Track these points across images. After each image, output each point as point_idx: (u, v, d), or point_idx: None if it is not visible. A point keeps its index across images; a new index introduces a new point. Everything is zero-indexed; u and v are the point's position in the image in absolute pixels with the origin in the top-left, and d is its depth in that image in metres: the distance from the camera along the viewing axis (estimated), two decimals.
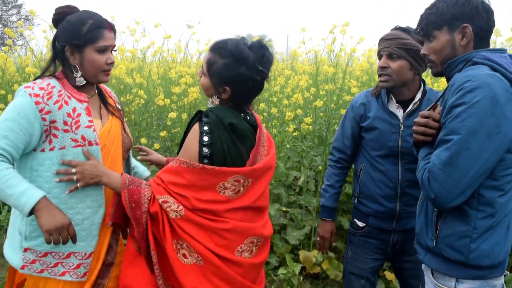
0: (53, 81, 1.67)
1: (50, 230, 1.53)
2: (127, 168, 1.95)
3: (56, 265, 1.66)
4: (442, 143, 1.46)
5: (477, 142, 1.38)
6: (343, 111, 3.67)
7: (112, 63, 1.70)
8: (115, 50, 1.76)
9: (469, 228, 1.49)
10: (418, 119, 1.59)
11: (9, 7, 30.09)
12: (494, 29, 3.89)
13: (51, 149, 1.61)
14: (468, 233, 1.49)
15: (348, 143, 2.24)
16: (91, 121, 1.68)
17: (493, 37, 4.07)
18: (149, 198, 1.60)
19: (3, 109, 4.19)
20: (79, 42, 1.63)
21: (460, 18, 1.51)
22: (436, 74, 1.65)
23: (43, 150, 1.62)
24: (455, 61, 1.54)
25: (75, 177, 1.60)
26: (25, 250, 1.64)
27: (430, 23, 1.56)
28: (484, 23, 1.52)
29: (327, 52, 4.02)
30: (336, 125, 3.68)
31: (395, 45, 1.98)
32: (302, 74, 4.17)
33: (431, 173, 1.46)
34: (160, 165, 2.06)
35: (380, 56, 2.07)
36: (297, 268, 3.16)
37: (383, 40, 2.06)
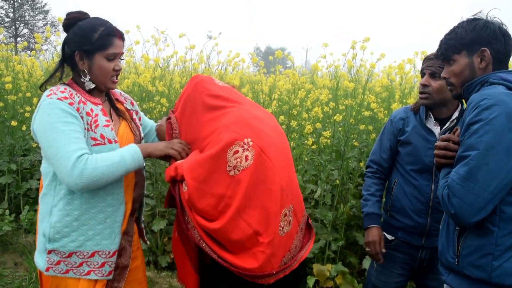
0: (67, 87, 1.70)
1: (169, 151, 1.74)
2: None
3: (81, 264, 1.68)
4: (460, 159, 1.48)
5: (496, 158, 1.40)
6: (362, 127, 3.68)
7: (119, 70, 1.74)
8: (123, 59, 1.80)
9: (491, 245, 1.48)
10: (438, 143, 1.62)
11: (36, 12, 30.85)
12: None
13: None
14: (490, 251, 1.48)
15: (385, 156, 2.28)
16: (108, 121, 1.73)
17: None
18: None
19: (29, 111, 4.34)
20: (89, 48, 1.67)
21: (479, 43, 1.56)
22: (456, 97, 1.69)
23: None
24: (473, 83, 1.57)
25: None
26: (49, 252, 1.67)
27: (449, 47, 1.62)
28: (502, 47, 1.56)
29: (347, 68, 4.04)
30: (354, 140, 3.68)
31: (438, 65, 2.03)
32: (322, 88, 4.20)
33: (450, 189, 1.47)
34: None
35: (422, 74, 2.13)
36: (311, 281, 3.16)
37: (427, 59, 2.12)
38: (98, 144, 1.66)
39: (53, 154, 1.56)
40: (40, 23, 30.76)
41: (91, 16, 1.75)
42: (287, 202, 1.72)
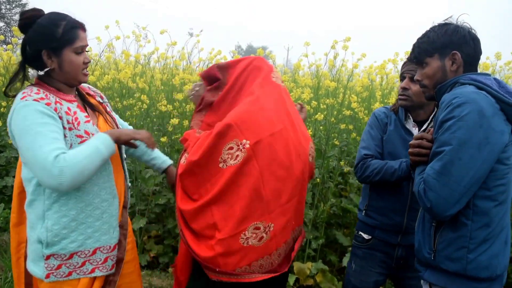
0: (40, 88, 1.62)
1: (135, 136, 1.74)
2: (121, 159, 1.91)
3: (83, 264, 1.65)
4: (435, 155, 1.53)
5: (468, 152, 1.45)
6: (342, 126, 3.71)
7: (88, 63, 1.70)
8: (88, 51, 1.73)
9: (466, 238, 1.53)
10: (412, 141, 1.67)
11: (13, 5, 30.17)
12: (495, 52, 3.94)
13: None
14: (465, 244, 1.54)
15: (379, 150, 2.21)
16: (87, 116, 1.69)
17: (493, 59, 4.15)
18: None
19: (5, 107, 4.23)
20: (56, 45, 1.60)
21: (450, 46, 1.63)
22: (429, 98, 1.75)
23: None
24: (445, 85, 1.64)
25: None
26: (48, 257, 1.61)
27: (422, 51, 1.68)
28: (471, 51, 1.63)
29: (329, 67, 4.07)
30: (335, 139, 3.71)
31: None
32: (304, 87, 4.21)
33: (426, 183, 1.52)
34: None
35: (402, 78, 2.18)
36: (292, 279, 3.18)
37: (407, 63, 2.16)
38: (85, 140, 1.62)
39: (31, 157, 1.50)
40: (16, 17, 30.02)
41: (45, 12, 1.66)
42: (262, 216, 1.72)
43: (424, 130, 2.14)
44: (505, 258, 1.59)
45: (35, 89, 1.60)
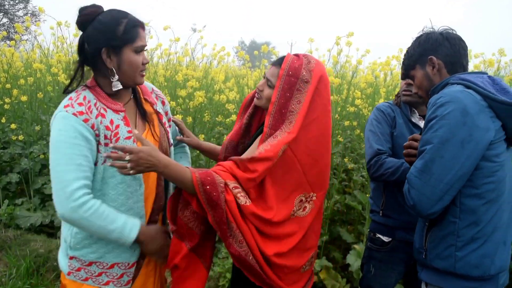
0: (87, 94, 1.57)
1: (156, 255, 1.66)
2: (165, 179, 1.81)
3: (100, 274, 1.63)
4: (419, 154, 1.56)
5: (450, 150, 1.47)
6: (346, 123, 3.70)
7: (147, 63, 1.63)
8: (146, 50, 1.66)
9: (453, 236, 1.55)
10: (405, 143, 1.75)
11: (16, 1, 30.17)
12: (499, 49, 3.89)
13: (95, 164, 1.55)
14: (453, 242, 1.55)
15: (390, 145, 2.15)
16: (130, 132, 1.59)
17: (497, 56, 4.12)
18: (223, 183, 1.57)
19: (8, 103, 4.23)
20: (116, 43, 1.53)
21: (425, 54, 1.71)
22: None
23: (95, 164, 1.56)
24: (436, 88, 1.67)
25: (128, 165, 1.46)
26: (71, 258, 1.63)
27: (406, 67, 1.79)
28: (448, 50, 1.68)
29: (333, 63, 4.05)
30: (339, 136, 3.69)
31: None
32: None
33: (409, 182, 1.55)
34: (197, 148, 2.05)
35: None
36: None
37: None
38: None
39: (52, 176, 1.49)
40: (20, 13, 30.07)
41: (105, 9, 1.59)
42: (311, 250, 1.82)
43: None
44: (501, 260, 1.57)
45: (81, 96, 1.55)
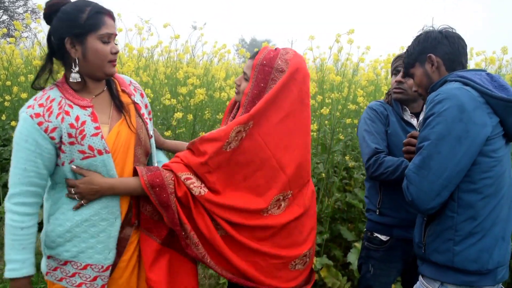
0: (53, 92, 1.56)
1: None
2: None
3: (73, 275, 1.60)
4: (417, 151, 1.59)
5: (447, 146, 1.50)
6: (347, 120, 3.69)
7: (117, 52, 1.58)
8: (117, 43, 1.63)
9: (451, 231, 1.57)
10: (404, 140, 1.81)
11: None
12: (502, 47, 3.90)
13: (62, 164, 1.55)
14: (451, 236, 1.58)
15: (385, 143, 2.13)
16: (97, 128, 1.55)
17: (499, 54, 4.11)
18: (172, 178, 1.57)
19: (8, 100, 4.22)
20: (80, 31, 1.49)
21: (424, 52, 1.73)
22: None
23: (62, 164, 1.57)
24: (434, 86, 1.69)
25: (76, 196, 1.55)
26: (48, 257, 1.63)
27: (406, 65, 1.82)
28: (447, 48, 1.70)
29: (333, 61, 4.04)
30: (340, 134, 3.68)
31: None
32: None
33: (407, 178, 1.58)
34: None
35: (396, 72, 2.22)
36: None
37: (400, 57, 2.20)
38: (88, 157, 1.53)
39: (10, 174, 1.53)
40: (20, 10, 29.99)
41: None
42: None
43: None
44: (500, 255, 1.59)
45: (45, 96, 1.54)
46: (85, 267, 1.60)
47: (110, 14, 1.56)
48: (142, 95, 1.82)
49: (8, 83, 4.34)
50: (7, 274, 1.52)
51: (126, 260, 1.68)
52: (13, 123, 4.03)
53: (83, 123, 1.53)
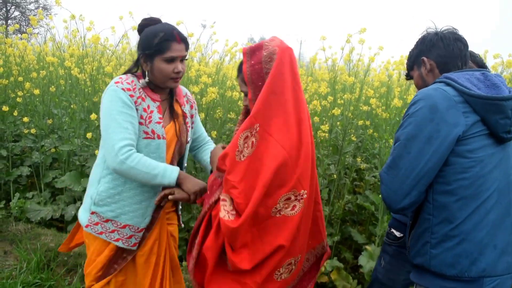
0: (135, 79, 1.90)
1: (196, 192, 1.84)
2: (180, 166, 2.12)
3: (113, 231, 1.93)
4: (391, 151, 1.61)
5: (416, 146, 1.50)
6: (360, 122, 3.65)
7: (179, 72, 1.88)
8: (186, 59, 1.93)
9: (428, 233, 1.57)
10: None
11: None
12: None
13: None
14: (427, 239, 1.57)
15: None
16: (161, 118, 1.93)
17: (506, 56, 4.04)
18: (216, 197, 1.63)
19: (20, 96, 4.24)
20: (150, 52, 1.84)
21: (420, 55, 1.75)
22: None
23: None
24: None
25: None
26: (92, 213, 1.92)
27: (407, 68, 1.86)
28: (441, 50, 1.70)
29: (344, 61, 4.00)
30: (352, 135, 3.65)
31: None
32: (320, 81, 4.15)
33: (380, 178, 1.62)
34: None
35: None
36: None
37: None
38: (148, 138, 1.87)
39: (104, 138, 1.81)
40: (32, 6, 30.22)
41: (163, 21, 1.92)
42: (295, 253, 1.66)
43: None
44: (487, 263, 1.51)
45: (130, 78, 1.88)
46: (124, 227, 1.93)
47: (181, 40, 1.86)
48: (191, 107, 2.17)
49: (20, 79, 4.35)
50: (173, 177, 1.83)
51: (151, 243, 2.01)
52: (25, 119, 4.05)
53: (152, 111, 1.90)
